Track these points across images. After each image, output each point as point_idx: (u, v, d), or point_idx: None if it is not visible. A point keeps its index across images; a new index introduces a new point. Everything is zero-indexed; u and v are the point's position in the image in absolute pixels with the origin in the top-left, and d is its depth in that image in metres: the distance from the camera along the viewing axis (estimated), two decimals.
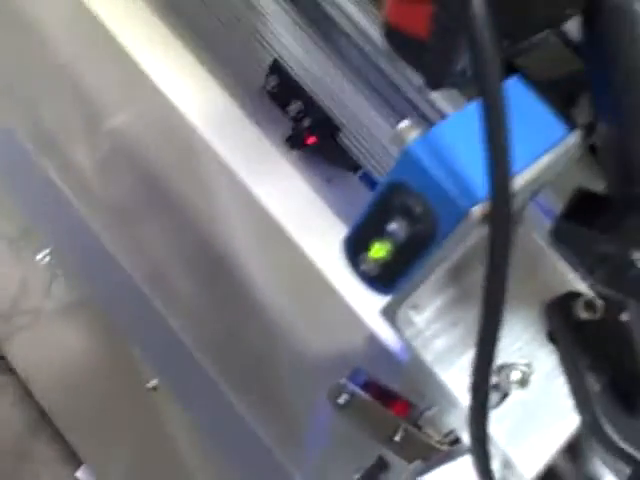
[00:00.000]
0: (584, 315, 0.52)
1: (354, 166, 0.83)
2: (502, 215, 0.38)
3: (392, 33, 0.46)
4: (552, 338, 0.51)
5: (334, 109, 0.81)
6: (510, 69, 0.47)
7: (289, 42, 0.82)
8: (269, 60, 0.84)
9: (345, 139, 0.82)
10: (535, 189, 0.46)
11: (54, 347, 1.42)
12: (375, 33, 0.75)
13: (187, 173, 0.90)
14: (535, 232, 0.54)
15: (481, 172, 0.39)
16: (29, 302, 1.43)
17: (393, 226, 0.44)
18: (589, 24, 0.43)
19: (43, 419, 1.57)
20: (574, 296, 0.53)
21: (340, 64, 0.79)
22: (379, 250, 0.45)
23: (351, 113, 0.80)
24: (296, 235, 0.79)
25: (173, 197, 0.94)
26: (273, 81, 0.85)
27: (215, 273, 0.94)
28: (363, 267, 0.46)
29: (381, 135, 0.78)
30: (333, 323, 0.80)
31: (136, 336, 1.16)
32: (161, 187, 0.94)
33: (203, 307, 1.01)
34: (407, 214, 0.43)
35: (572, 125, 0.46)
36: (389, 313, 0.49)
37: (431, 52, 0.44)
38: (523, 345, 0.52)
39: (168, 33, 0.87)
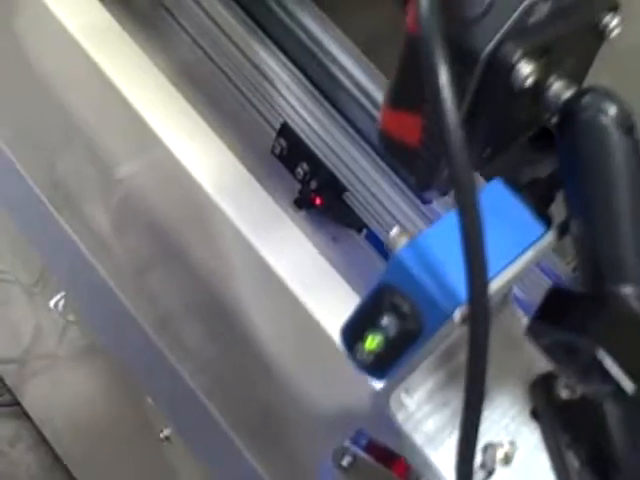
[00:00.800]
0: (564, 394, 0.55)
1: (359, 226, 0.86)
2: (480, 319, 0.42)
3: (386, 140, 0.50)
4: (535, 415, 0.55)
5: (340, 171, 0.84)
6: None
7: (297, 106, 0.85)
8: (278, 123, 0.87)
9: (350, 200, 0.85)
10: (514, 281, 0.49)
11: (68, 393, 1.44)
12: (380, 97, 0.78)
13: (196, 232, 0.94)
14: (520, 311, 0.57)
15: (463, 277, 0.42)
16: (43, 347, 1.45)
17: (384, 321, 0.47)
18: (561, 131, 0.46)
19: (58, 464, 1.59)
20: (556, 375, 0.56)
21: (346, 127, 0.82)
22: (372, 342, 0.48)
23: (356, 175, 0.83)
24: (301, 295, 0.82)
25: (183, 253, 0.97)
26: (281, 144, 0.89)
27: (223, 328, 0.97)
28: (358, 356, 0.50)
29: (384, 196, 0.82)
30: (337, 383, 0.83)
31: (148, 385, 1.18)
32: (171, 243, 0.97)
33: (212, 359, 1.04)
34: (397, 312, 0.46)
35: (548, 223, 0.49)
36: (382, 398, 0.52)
37: (420, 159, 0.48)
38: (509, 422, 0.56)
39: (178, 96, 0.90)
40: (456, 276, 0.43)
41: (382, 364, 0.49)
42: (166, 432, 1.22)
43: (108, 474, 1.45)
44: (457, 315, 0.44)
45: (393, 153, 0.50)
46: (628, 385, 0.42)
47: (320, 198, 0.87)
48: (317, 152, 0.86)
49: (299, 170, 0.88)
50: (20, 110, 1.10)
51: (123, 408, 1.32)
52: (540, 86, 0.45)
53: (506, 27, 0.42)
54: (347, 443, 0.74)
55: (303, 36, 0.86)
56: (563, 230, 0.49)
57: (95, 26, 0.91)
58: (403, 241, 0.46)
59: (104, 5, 0.95)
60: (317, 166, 0.86)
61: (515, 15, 0.42)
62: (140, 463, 1.32)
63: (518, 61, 0.43)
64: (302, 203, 0.88)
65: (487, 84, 0.44)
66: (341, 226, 0.88)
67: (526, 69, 0.43)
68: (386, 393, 0.51)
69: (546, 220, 0.49)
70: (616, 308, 0.45)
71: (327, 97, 0.84)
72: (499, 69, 0.43)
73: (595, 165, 0.45)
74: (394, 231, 0.46)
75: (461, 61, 0.43)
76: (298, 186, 0.88)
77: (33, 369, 1.50)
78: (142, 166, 0.96)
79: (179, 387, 1.06)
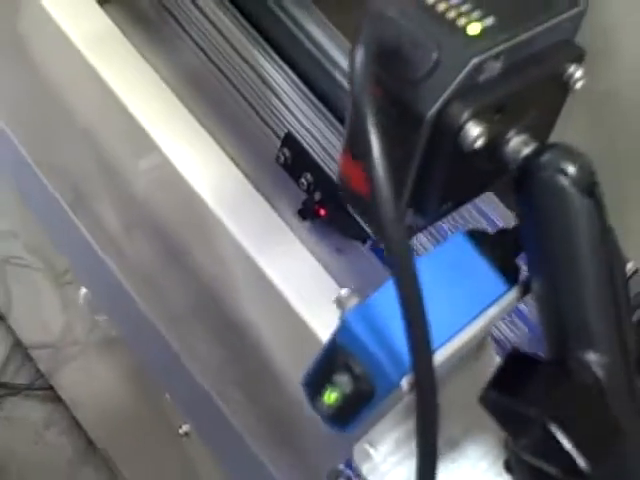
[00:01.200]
0: None
1: (364, 237, 0.84)
2: (426, 389, 0.40)
3: (344, 186, 0.49)
4: (508, 467, 0.53)
5: None
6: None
7: (301, 116, 0.84)
8: (282, 132, 0.86)
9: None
10: (476, 339, 0.48)
11: (98, 379, 1.46)
12: None
13: (198, 240, 0.93)
14: (498, 356, 0.55)
15: None
16: (75, 334, 1.47)
17: (339, 379, 0.46)
18: (519, 188, 0.44)
19: (91, 447, 1.62)
20: None
21: None
22: (329, 397, 0.47)
23: None
24: (298, 307, 0.82)
25: (187, 259, 0.97)
26: (285, 153, 0.87)
27: (229, 334, 0.97)
28: (319, 407, 0.49)
29: None
30: None
31: (165, 382, 1.19)
32: (176, 248, 0.97)
33: (221, 363, 1.04)
34: (350, 372, 0.45)
35: (514, 278, 0.47)
36: (347, 449, 0.51)
37: (371, 209, 0.46)
38: (481, 474, 0.54)
39: (179, 104, 0.89)
40: (404, 342, 0.42)
41: (341, 418, 0.48)
42: (185, 428, 1.23)
43: (135, 461, 1.47)
44: (404, 383, 0.42)
45: (350, 200, 0.48)
46: (582, 463, 0.40)
47: (324, 209, 0.85)
48: (320, 162, 0.84)
49: (303, 180, 0.86)
50: (35, 113, 1.11)
51: (145, 400, 1.33)
52: (497, 141, 0.43)
53: (451, 87, 0.40)
54: (341, 466, 0.73)
55: (307, 43, 0.84)
56: (527, 287, 0.47)
57: (95, 32, 0.91)
58: (353, 302, 0.44)
59: (107, 9, 0.94)
60: (321, 177, 0.85)
61: (461, 75, 0.40)
62: (161, 456, 1.33)
63: (466, 122, 0.41)
64: (306, 214, 0.86)
65: (435, 146, 0.42)
66: (346, 237, 0.86)
67: (475, 130, 0.40)
68: (349, 443, 0.50)
69: (511, 275, 0.47)
70: (578, 376, 0.43)
71: (330, 106, 0.82)
72: (445, 131, 0.41)
73: (555, 227, 0.43)
74: (344, 292, 0.44)
75: (407, 122, 0.41)
76: (304, 196, 0.87)
77: (67, 354, 1.52)
78: (144, 172, 0.95)
79: (193, 386, 1.07)
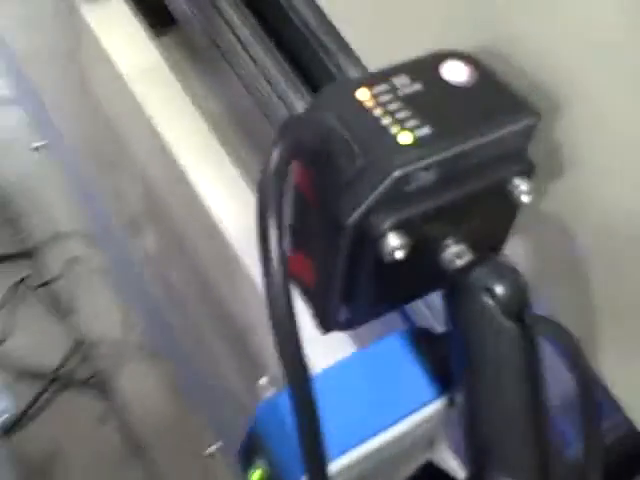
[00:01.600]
0: None
1: None
2: None
3: (293, 279, 0.48)
4: None
5: None
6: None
7: None
8: None
9: None
10: (399, 445, 0.47)
11: (149, 384, 1.49)
12: None
13: (228, 280, 0.94)
14: (451, 453, 0.54)
15: None
16: (134, 335, 1.51)
17: (259, 461, 0.46)
18: (448, 301, 0.43)
19: (139, 447, 1.65)
20: None
21: None
22: (254, 475, 0.47)
23: None
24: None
25: (215, 295, 0.98)
26: None
27: (246, 361, 0.98)
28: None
29: None
30: None
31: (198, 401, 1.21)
32: (210, 285, 0.99)
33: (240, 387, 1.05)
34: (265, 458, 0.45)
35: (443, 388, 0.46)
36: None
37: (317, 299, 0.46)
38: None
39: (216, 142, 0.91)
40: None
41: None
42: (211, 449, 1.24)
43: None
44: None
45: (301, 292, 0.48)
46: None
47: None
48: None
49: None
50: (90, 135, 1.14)
51: (182, 414, 1.35)
52: (433, 248, 0.42)
53: (372, 197, 0.39)
54: None
55: None
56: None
57: (144, 66, 0.92)
58: (269, 393, 0.44)
59: (163, 41, 0.96)
60: None
61: (383, 185, 0.39)
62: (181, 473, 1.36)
63: (386, 233, 0.40)
64: None
65: (357, 252, 0.41)
66: None
67: (395, 242, 0.40)
68: None
69: (445, 382, 0.46)
70: None
71: None
72: (366, 240, 0.40)
73: (477, 345, 0.41)
74: (263, 380, 0.44)
75: (332, 226, 0.41)
76: None
77: (126, 355, 1.56)
78: (181, 205, 0.97)
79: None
